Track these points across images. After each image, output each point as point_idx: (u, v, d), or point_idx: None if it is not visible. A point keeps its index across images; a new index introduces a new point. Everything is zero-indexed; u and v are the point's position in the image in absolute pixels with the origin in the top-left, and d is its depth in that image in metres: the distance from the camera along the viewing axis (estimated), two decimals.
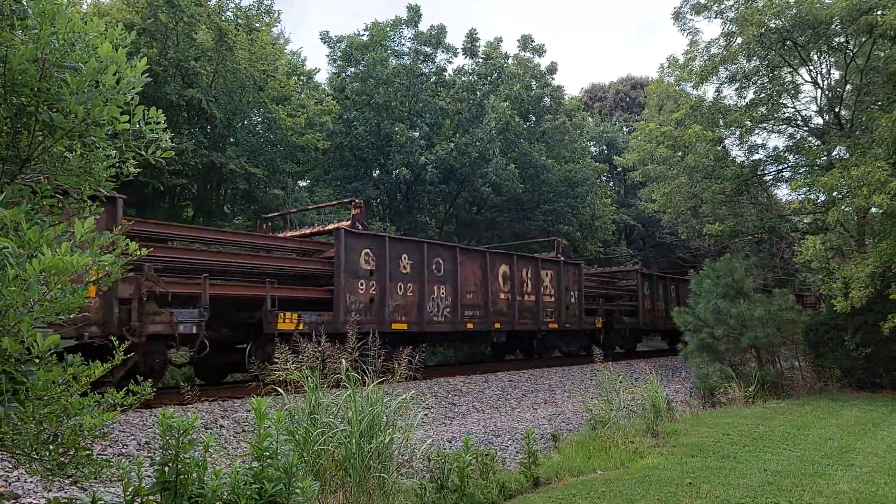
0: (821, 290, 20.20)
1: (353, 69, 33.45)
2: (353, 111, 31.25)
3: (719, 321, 17.26)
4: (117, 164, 3.92)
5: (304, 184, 31.78)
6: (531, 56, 36.65)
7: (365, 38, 34.21)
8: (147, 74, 3.75)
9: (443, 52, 35.00)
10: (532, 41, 36.65)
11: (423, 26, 34.62)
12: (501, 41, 35.87)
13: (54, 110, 3.44)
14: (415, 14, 34.45)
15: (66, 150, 3.68)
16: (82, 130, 3.54)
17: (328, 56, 34.78)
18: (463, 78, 34.98)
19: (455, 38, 34.42)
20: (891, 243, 15.48)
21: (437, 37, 34.20)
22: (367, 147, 31.53)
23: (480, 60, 35.41)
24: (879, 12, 17.04)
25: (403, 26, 34.65)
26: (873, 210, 15.37)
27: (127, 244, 3.94)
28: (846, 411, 13.61)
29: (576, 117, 36.56)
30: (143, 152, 3.92)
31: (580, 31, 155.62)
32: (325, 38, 34.92)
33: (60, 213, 3.87)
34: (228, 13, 24.04)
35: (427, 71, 33.87)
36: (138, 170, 4.05)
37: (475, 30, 35.71)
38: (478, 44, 35.58)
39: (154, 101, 20.12)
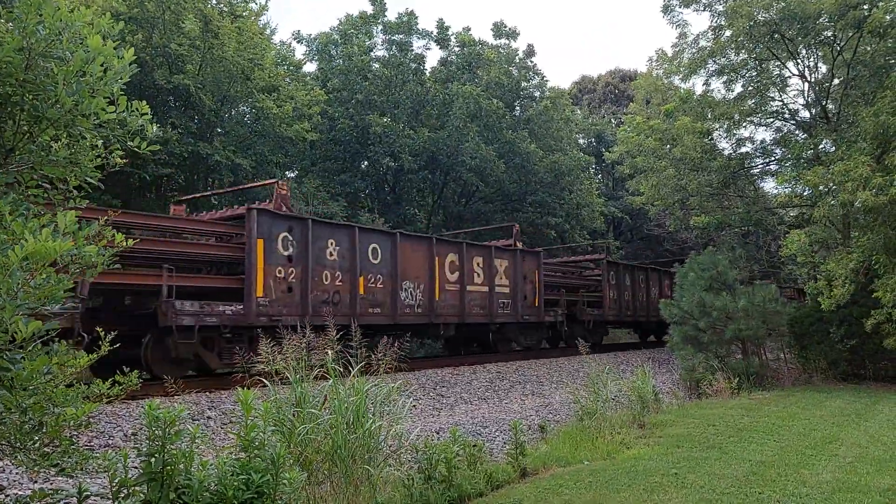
0: (805, 288, 20.34)
1: (335, 62, 33.44)
2: (337, 106, 31.23)
3: (703, 314, 17.36)
4: (103, 155, 3.90)
5: (292, 175, 31.72)
6: (507, 42, 36.59)
7: (336, 35, 34.24)
8: (134, 63, 3.73)
9: (418, 38, 34.93)
10: (505, 27, 36.50)
11: (392, 16, 34.65)
12: (470, 30, 35.82)
13: (40, 100, 3.42)
14: (380, 7, 34.37)
15: (51, 141, 3.66)
16: (68, 121, 3.52)
17: (304, 55, 34.82)
18: (443, 68, 34.97)
19: (430, 26, 34.98)
20: (873, 237, 15.62)
21: (407, 24, 34.09)
22: (350, 141, 31.54)
23: (455, 50, 35.34)
24: (867, 6, 17.16)
25: (371, 19, 34.56)
26: (857, 204, 15.50)
27: (114, 234, 3.93)
28: (830, 402, 13.74)
29: (561, 106, 36.42)
30: (128, 142, 3.90)
31: (569, 25, 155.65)
32: (298, 36, 35.00)
33: (45, 204, 3.85)
34: (213, 0, 23.90)
35: (405, 60, 33.77)
36: (124, 161, 4.03)
37: (443, 20, 35.61)
38: (449, 32, 35.52)
39: (140, 87, 20.00)
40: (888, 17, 17.04)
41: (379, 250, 15.56)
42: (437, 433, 9.98)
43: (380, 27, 34.52)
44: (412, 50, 34.48)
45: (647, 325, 28.56)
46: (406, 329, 16.25)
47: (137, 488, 4.48)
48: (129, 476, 4.51)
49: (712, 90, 22.53)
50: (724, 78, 21.51)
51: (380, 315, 15.38)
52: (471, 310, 18.28)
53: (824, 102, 20.27)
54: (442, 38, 35.41)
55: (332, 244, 14.35)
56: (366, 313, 14.91)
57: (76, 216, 3.49)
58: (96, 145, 3.82)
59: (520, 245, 21.24)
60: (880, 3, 17.07)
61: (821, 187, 17.18)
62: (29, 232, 3.04)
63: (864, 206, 15.00)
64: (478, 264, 18.76)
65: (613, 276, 25.56)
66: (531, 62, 36.42)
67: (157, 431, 4.47)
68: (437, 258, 17.15)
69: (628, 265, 27.85)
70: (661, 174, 23.34)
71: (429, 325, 17.20)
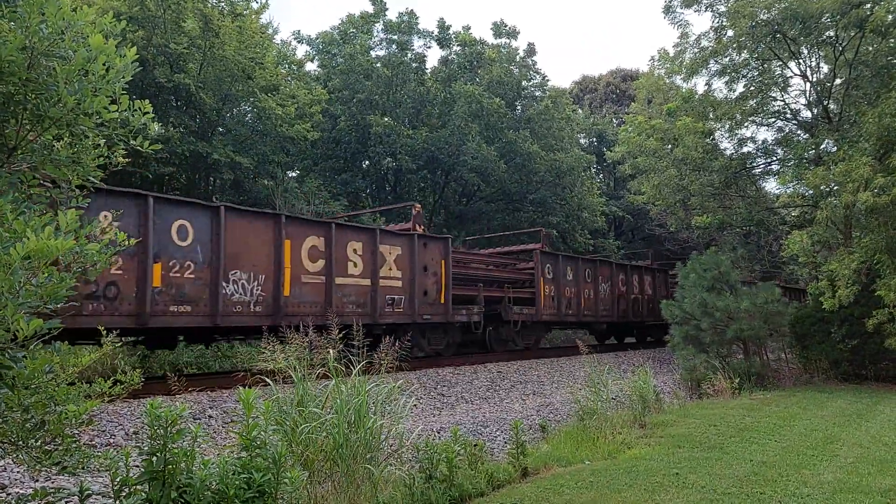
0: (808, 288, 20.30)
1: (336, 61, 33.51)
2: (338, 105, 31.27)
3: (706, 314, 17.37)
4: (105, 155, 3.91)
5: (294, 175, 31.77)
6: (507, 41, 36.63)
7: (337, 35, 34.32)
8: (135, 62, 3.73)
9: (418, 37, 35.01)
10: (505, 26, 36.52)
11: (392, 16, 34.74)
12: (470, 29, 35.84)
13: (42, 99, 3.43)
14: (381, 7, 34.42)
15: (53, 140, 3.67)
16: (71, 120, 3.52)
17: (305, 55, 34.89)
18: (444, 67, 34.99)
19: (430, 26, 35.28)
20: (875, 238, 15.62)
21: (408, 24, 34.15)
22: (351, 141, 31.58)
23: (457, 49, 35.36)
24: (868, 5, 17.16)
25: (372, 19, 34.63)
26: (859, 205, 15.52)
27: (116, 233, 3.93)
28: (832, 403, 13.74)
29: (562, 106, 36.40)
30: (130, 141, 3.91)
31: (569, 25, 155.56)
32: (299, 36, 35.08)
33: (47, 203, 3.86)
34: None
35: (406, 59, 33.82)
36: (127, 160, 4.04)
37: (444, 19, 35.76)
38: (449, 31, 35.57)
39: (141, 86, 20.01)
40: (890, 17, 17.04)
41: (190, 229, 11.97)
42: (439, 432, 9.98)
43: (380, 26, 34.57)
44: (413, 49, 34.53)
45: (597, 325, 25.23)
46: (236, 332, 13.79)
47: (139, 487, 4.49)
48: (131, 475, 4.51)
49: (714, 90, 22.57)
50: (726, 78, 21.52)
51: (190, 314, 11.92)
52: (342, 308, 14.48)
53: (826, 102, 20.27)
54: (443, 38, 35.44)
55: (105, 217, 10.44)
56: (165, 312, 11.55)
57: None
58: (98, 144, 3.82)
59: (420, 229, 17.47)
60: (882, 2, 17.07)
61: (822, 187, 17.18)
62: (31, 230, 3.04)
63: (866, 207, 15.00)
64: (354, 251, 15.13)
65: (551, 270, 21.83)
66: (532, 61, 36.45)
67: (158, 430, 4.47)
68: (287, 241, 13.65)
69: (571, 257, 24.13)
70: (663, 174, 23.33)
71: (273, 327, 12.58)
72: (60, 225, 3.33)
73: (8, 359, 3.29)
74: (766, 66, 20.67)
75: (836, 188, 16.76)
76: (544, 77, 36.66)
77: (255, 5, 26.65)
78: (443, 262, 17.55)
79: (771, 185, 28.24)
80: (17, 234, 3.08)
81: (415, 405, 11.90)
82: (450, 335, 18.91)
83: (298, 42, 34.91)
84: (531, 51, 36.60)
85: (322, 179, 29.76)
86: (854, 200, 15.31)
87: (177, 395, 9.47)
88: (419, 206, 18.75)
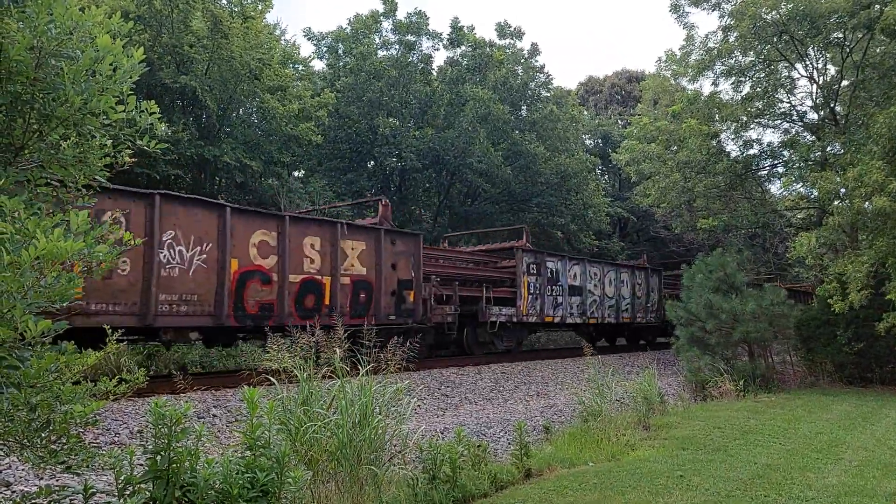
0: (817, 290, 20.20)
1: (344, 61, 33.54)
2: (349, 106, 31.27)
3: (711, 315, 17.32)
4: (112, 154, 3.91)
5: (299, 174, 31.77)
6: (512, 42, 36.63)
7: (348, 31, 34.38)
8: (142, 62, 3.74)
9: (427, 38, 35.01)
10: (509, 27, 36.51)
11: (401, 15, 34.76)
12: (474, 29, 35.82)
13: (49, 99, 3.44)
14: (391, 6, 34.47)
15: (60, 139, 3.68)
16: (78, 120, 3.53)
17: (314, 53, 34.96)
18: (451, 68, 35.02)
19: (441, 29, 35.15)
20: (886, 241, 15.53)
21: (416, 24, 34.18)
22: (357, 141, 31.59)
23: (466, 51, 35.39)
24: (878, 6, 17.09)
25: (382, 18, 34.67)
26: (867, 206, 15.43)
27: (121, 234, 3.94)
28: (837, 406, 13.69)
29: (566, 107, 36.34)
30: (137, 141, 3.92)
31: (572, 25, 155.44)
32: (309, 34, 35.11)
33: (55, 203, 3.87)
34: (223, 0, 23.94)
35: (414, 59, 33.82)
36: (133, 160, 4.05)
37: (458, 19, 35.73)
38: (462, 32, 35.61)
39: (147, 86, 20.03)
40: None
41: None
42: (442, 433, 9.98)
43: (388, 25, 34.62)
44: (421, 50, 34.56)
45: (221, 331, 12.82)
46: None
47: (143, 486, 4.50)
48: (135, 473, 4.52)
49: (720, 91, 22.54)
50: (733, 79, 21.48)
51: None
52: None
53: (833, 105, 20.21)
54: (455, 39, 35.42)
55: None
56: None
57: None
58: (105, 144, 3.83)
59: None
60: (893, 2, 16.97)
61: (831, 186, 17.09)
62: (41, 231, 3.05)
63: (880, 212, 14.87)
64: None
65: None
66: (535, 61, 36.45)
67: (162, 429, 4.49)
68: None
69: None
70: (668, 177, 23.28)
71: None
72: (71, 225, 3.34)
73: (15, 358, 3.30)
74: (772, 67, 20.63)
75: (844, 192, 16.67)
76: (548, 76, 36.65)
77: (259, 6, 26.71)
78: None
79: (776, 188, 28.21)
80: (28, 234, 3.09)
81: (419, 405, 11.90)
82: None
83: (308, 39, 34.99)
84: (534, 50, 36.59)
85: (327, 179, 29.78)
86: (867, 206, 15.23)
87: (181, 394, 9.50)
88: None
